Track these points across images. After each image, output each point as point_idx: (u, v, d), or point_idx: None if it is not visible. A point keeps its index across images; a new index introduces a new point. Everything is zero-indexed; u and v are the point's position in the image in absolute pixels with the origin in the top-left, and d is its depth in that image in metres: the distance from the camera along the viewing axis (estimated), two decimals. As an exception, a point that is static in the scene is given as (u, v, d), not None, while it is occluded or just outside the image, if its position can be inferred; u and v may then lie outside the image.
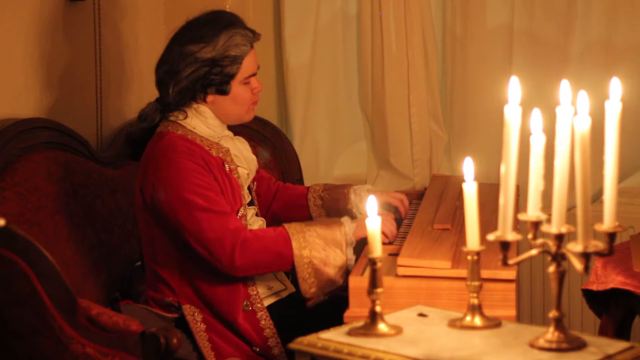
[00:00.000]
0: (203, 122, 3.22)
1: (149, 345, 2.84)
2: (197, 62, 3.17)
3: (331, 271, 3.11)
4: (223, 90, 3.20)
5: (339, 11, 4.44)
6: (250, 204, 3.34)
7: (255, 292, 3.18)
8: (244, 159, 3.30)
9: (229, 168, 3.23)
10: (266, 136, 3.93)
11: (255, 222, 3.32)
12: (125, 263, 3.57)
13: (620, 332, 3.33)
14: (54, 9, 3.69)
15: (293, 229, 3.12)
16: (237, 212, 3.20)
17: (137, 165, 3.73)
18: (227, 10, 4.13)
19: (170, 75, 3.19)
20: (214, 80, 3.18)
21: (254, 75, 3.25)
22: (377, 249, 2.35)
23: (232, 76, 3.19)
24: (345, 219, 3.21)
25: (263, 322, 3.16)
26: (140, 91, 4.10)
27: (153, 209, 3.13)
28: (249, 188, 3.34)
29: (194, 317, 3.15)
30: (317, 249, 3.10)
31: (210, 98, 3.21)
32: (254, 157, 3.38)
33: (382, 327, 2.35)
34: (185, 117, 3.21)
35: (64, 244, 3.38)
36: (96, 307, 2.88)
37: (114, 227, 3.59)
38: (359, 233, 3.14)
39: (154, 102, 3.27)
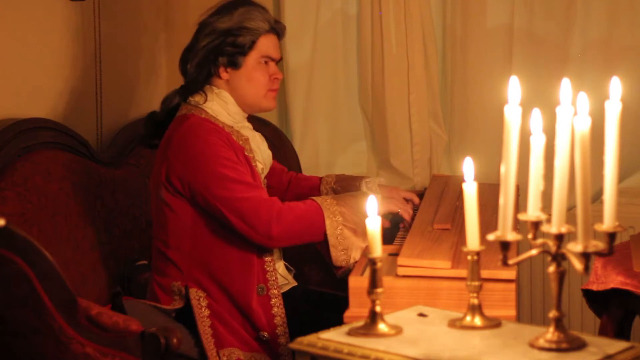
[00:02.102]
0: (224, 107, 3.26)
1: (148, 345, 2.84)
2: (214, 32, 3.24)
3: (360, 239, 3.16)
4: (235, 63, 3.24)
5: (339, 11, 4.44)
6: None
7: (273, 278, 3.20)
8: (260, 154, 3.34)
9: (249, 156, 3.26)
10: (266, 136, 3.92)
11: None
12: (125, 263, 3.58)
13: (620, 332, 3.33)
14: (54, 9, 3.69)
15: (322, 200, 3.19)
16: None
17: (137, 165, 3.75)
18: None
19: (190, 50, 3.28)
20: (227, 50, 3.24)
21: (273, 60, 3.30)
22: (377, 249, 2.35)
23: (244, 47, 3.25)
24: (365, 184, 3.34)
25: (276, 309, 3.19)
26: (141, 91, 4.10)
27: (179, 185, 3.15)
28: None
29: (199, 302, 3.16)
30: (347, 219, 3.16)
31: (224, 74, 3.26)
32: (269, 152, 3.43)
33: (382, 327, 2.35)
34: (206, 101, 3.25)
35: (64, 244, 3.38)
36: (96, 307, 2.88)
37: (114, 227, 3.59)
38: (380, 208, 3.17)
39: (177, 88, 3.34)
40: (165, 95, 3.37)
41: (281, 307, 3.19)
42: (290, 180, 3.62)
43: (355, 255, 3.17)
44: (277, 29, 3.32)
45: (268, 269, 3.21)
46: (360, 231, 3.16)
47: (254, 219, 3.09)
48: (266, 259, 3.21)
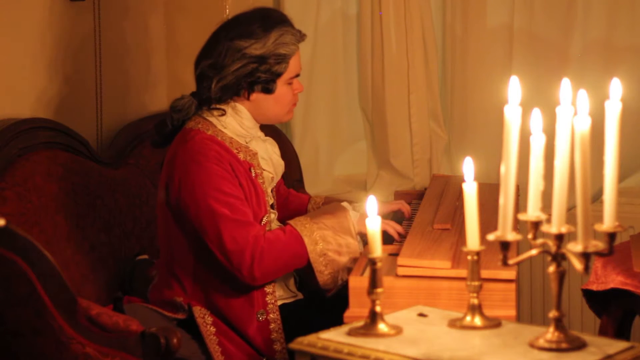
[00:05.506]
0: (238, 122, 3.20)
1: (149, 345, 2.84)
2: (245, 57, 3.14)
3: (345, 259, 3.13)
4: (269, 89, 3.19)
5: (339, 11, 4.45)
6: (271, 207, 3.32)
7: (273, 301, 3.18)
8: (271, 163, 3.28)
9: (255, 173, 3.21)
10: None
11: (274, 227, 3.32)
12: (125, 263, 3.57)
13: (620, 332, 3.33)
14: (54, 9, 3.69)
15: (301, 226, 3.13)
16: (262, 219, 3.19)
17: (137, 165, 3.75)
18: (227, 11, 4.15)
19: (215, 69, 3.16)
20: (261, 77, 3.17)
21: (297, 76, 3.26)
22: (377, 249, 2.35)
23: (279, 75, 3.19)
24: (346, 204, 3.24)
25: (275, 334, 3.15)
26: (141, 91, 4.10)
27: (177, 209, 3.12)
28: (271, 191, 3.33)
29: (204, 319, 3.14)
30: (329, 241, 3.11)
31: (253, 96, 3.20)
32: (282, 162, 3.36)
33: (382, 327, 2.35)
34: (222, 115, 3.18)
35: (64, 244, 3.38)
36: (96, 307, 2.88)
37: (114, 227, 3.59)
38: (360, 228, 3.15)
39: (189, 95, 3.23)
40: (176, 100, 3.23)
41: (280, 332, 3.16)
42: (287, 197, 3.57)
43: (343, 276, 3.13)
44: (301, 41, 3.27)
45: (268, 290, 3.18)
46: (344, 251, 3.12)
47: (239, 260, 3.04)
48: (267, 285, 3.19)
